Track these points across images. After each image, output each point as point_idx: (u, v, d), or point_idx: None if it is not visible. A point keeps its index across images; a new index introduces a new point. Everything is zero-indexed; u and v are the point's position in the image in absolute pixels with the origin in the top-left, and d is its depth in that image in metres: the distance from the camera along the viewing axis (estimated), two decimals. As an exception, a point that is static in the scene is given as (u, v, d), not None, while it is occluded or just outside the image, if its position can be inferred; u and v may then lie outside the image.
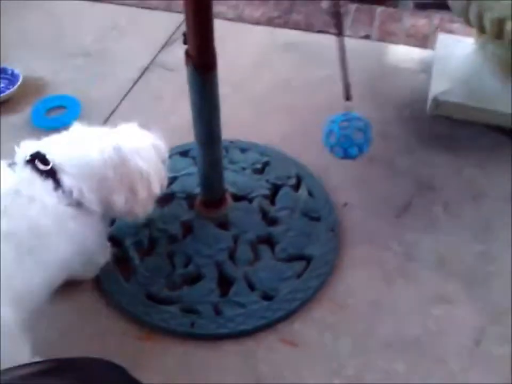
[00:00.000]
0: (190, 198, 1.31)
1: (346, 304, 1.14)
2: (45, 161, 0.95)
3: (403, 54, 1.82)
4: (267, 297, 1.14)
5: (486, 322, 1.10)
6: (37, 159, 0.95)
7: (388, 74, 1.73)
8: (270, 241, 1.24)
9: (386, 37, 1.88)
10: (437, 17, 1.97)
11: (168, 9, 2.01)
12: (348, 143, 1.10)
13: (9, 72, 1.69)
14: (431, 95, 1.57)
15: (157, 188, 1.08)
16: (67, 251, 0.95)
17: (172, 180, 1.36)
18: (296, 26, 1.95)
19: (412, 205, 1.33)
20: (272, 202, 1.32)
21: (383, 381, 1.03)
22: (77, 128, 1.08)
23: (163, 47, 1.82)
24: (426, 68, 1.72)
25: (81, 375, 0.65)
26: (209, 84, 1.05)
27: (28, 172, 0.93)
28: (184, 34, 1.00)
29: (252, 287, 1.15)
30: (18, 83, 1.64)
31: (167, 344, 1.08)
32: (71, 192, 0.95)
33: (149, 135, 1.12)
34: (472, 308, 1.13)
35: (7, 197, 0.89)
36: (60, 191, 0.94)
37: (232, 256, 1.20)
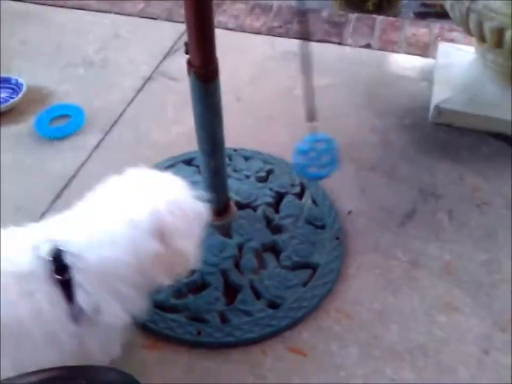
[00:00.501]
0: (194, 206, 1.31)
1: (353, 312, 1.14)
2: (63, 269, 0.81)
3: (404, 63, 1.83)
4: (273, 305, 1.14)
5: (493, 330, 1.10)
6: (56, 263, 0.81)
7: (388, 83, 1.74)
8: (274, 249, 1.24)
9: (387, 45, 1.90)
10: (437, 26, 1.98)
11: (170, 18, 2.03)
12: (318, 164, 1.10)
13: (13, 81, 1.69)
14: (432, 103, 1.58)
15: (194, 263, 0.93)
16: (54, 357, 0.82)
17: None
18: (296, 36, 1.96)
19: (415, 213, 1.34)
20: (276, 210, 1.32)
21: (390, 389, 1.03)
22: (102, 195, 0.90)
23: (165, 57, 1.83)
24: (427, 76, 1.74)
25: (89, 382, 0.64)
26: (212, 93, 1.06)
27: (41, 272, 0.81)
28: (186, 44, 1.01)
29: (257, 295, 1.15)
30: (22, 92, 1.65)
31: (173, 353, 1.08)
32: (81, 309, 0.82)
33: (189, 195, 0.93)
34: (478, 316, 1.13)
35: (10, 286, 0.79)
36: (67, 304, 0.82)
37: (237, 264, 1.20)
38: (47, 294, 0.80)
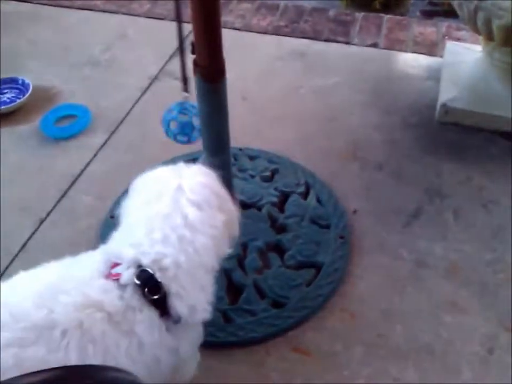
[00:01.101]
0: (199, 206, 1.31)
1: (357, 312, 1.13)
2: (156, 288, 0.76)
3: (411, 62, 1.82)
4: (277, 305, 1.13)
5: (498, 330, 1.09)
6: (147, 286, 0.75)
7: (395, 82, 1.73)
8: (279, 249, 1.24)
9: (394, 44, 1.89)
10: (444, 25, 1.97)
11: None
12: (189, 129, 1.15)
13: (20, 82, 1.71)
14: (440, 101, 1.57)
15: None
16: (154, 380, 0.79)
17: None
18: (303, 35, 1.96)
19: (421, 213, 1.33)
20: (281, 209, 1.32)
21: (394, 389, 1.02)
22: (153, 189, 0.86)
23: (171, 57, 1.83)
24: (433, 75, 1.73)
25: (95, 382, 0.65)
26: (218, 93, 1.06)
27: (136, 300, 0.75)
28: (192, 44, 1.01)
29: (261, 294, 1.15)
30: (29, 93, 1.66)
31: (177, 352, 1.08)
32: (179, 318, 0.78)
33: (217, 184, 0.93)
34: (483, 316, 1.12)
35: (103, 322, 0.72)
36: (164, 318, 0.77)
37: (241, 264, 1.20)
38: (145, 322, 0.75)
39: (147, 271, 0.76)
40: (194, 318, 0.81)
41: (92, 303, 0.72)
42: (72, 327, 0.70)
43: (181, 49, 1.10)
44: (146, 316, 0.75)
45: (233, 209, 0.91)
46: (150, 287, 0.75)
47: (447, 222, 1.30)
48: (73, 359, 0.69)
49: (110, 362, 0.70)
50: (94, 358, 0.69)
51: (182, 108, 1.16)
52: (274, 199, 1.33)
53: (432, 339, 1.09)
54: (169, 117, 1.17)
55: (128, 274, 0.76)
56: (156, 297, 0.75)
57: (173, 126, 1.17)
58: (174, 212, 0.81)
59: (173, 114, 1.16)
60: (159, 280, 0.76)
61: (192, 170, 0.91)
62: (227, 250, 0.90)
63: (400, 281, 1.19)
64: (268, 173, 1.40)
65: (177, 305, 0.77)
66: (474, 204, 1.34)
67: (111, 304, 0.73)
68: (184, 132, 1.16)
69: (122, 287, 0.75)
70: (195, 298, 0.80)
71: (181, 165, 0.93)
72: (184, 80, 1.13)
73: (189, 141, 1.18)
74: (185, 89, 1.15)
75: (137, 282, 0.75)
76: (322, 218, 1.29)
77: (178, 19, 1.06)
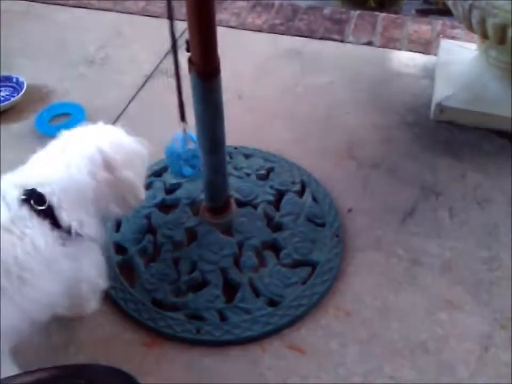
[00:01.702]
0: (194, 204, 1.31)
1: (353, 310, 1.14)
2: (40, 199, 0.91)
3: (405, 60, 1.82)
4: (273, 303, 1.13)
5: (493, 327, 1.10)
6: (32, 198, 0.90)
7: (390, 80, 1.74)
8: (274, 247, 1.24)
9: (389, 43, 1.89)
10: (439, 23, 1.98)
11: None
12: (195, 161, 1.16)
13: (14, 80, 1.70)
14: (434, 100, 1.57)
15: (143, 193, 1.09)
16: (55, 290, 0.91)
17: (177, 186, 1.37)
18: (298, 33, 1.96)
19: (416, 211, 1.33)
20: (277, 208, 1.32)
21: (390, 387, 1.02)
22: (58, 141, 1.04)
23: (166, 55, 1.82)
24: (429, 74, 1.73)
25: (88, 381, 0.65)
26: (213, 91, 1.06)
27: (24, 212, 0.89)
28: (187, 42, 1.00)
29: (257, 293, 1.15)
30: (23, 91, 1.65)
31: (173, 351, 1.08)
32: (69, 228, 0.92)
33: (130, 139, 1.10)
34: (478, 313, 1.12)
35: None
36: (56, 230, 0.91)
37: (237, 262, 1.20)
38: (36, 229, 0.88)
39: (32, 188, 0.91)
40: (84, 231, 0.95)
41: None
42: None
43: (177, 76, 1.06)
44: (36, 223, 0.88)
45: (130, 178, 1.03)
46: (35, 199, 0.90)
47: (443, 220, 1.31)
48: None
49: (11, 260, 0.84)
50: None
51: (186, 140, 1.15)
52: (270, 198, 1.33)
53: (428, 337, 1.09)
54: (174, 150, 1.15)
55: (16, 193, 0.90)
56: (42, 207, 0.89)
57: (180, 159, 1.16)
58: (70, 156, 0.99)
59: (178, 148, 1.15)
60: (43, 194, 0.91)
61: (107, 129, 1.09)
62: (113, 207, 1.04)
63: (396, 279, 1.19)
64: (263, 171, 1.40)
65: (63, 216, 0.91)
66: (470, 202, 1.35)
67: (2, 216, 0.87)
68: (190, 164, 1.16)
69: (10, 203, 0.89)
70: (79, 213, 0.94)
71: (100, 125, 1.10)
72: (181, 106, 1.10)
73: (193, 175, 1.17)
74: (183, 117, 1.12)
75: (23, 197, 0.89)
76: (318, 217, 1.30)
77: (171, 25, 1.02)
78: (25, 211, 0.88)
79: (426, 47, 1.86)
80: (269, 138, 1.53)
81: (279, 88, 1.71)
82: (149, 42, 1.90)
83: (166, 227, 1.26)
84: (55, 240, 0.90)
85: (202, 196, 1.29)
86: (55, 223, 0.91)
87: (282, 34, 1.96)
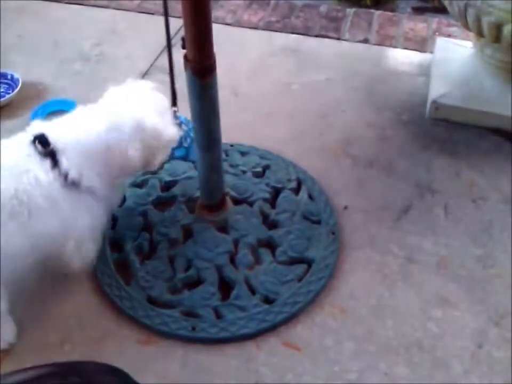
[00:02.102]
0: (190, 201, 1.31)
1: (348, 307, 1.14)
2: (45, 142, 1.01)
3: (401, 58, 1.83)
4: (268, 300, 1.14)
5: (487, 324, 1.10)
6: (38, 140, 1.01)
7: (386, 78, 1.74)
8: (270, 245, 1.24)
9: (385, 40, 1.89)
10: (435, 21, 1.98)
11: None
12: (187, 142, 1.21)
13: (9, 77, 1.69)
14: (430, 98, 1.58)
15: (169, 135, 1.13)
16: (53, 226, 0.99)
17: (173, 184, 1.37)
18: (294, 31, 1.96)
19: (411, 208, 1.34)
20: (273, 205, 1.32)
21: (385, 384, 1.03)
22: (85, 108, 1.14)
23: (162, 52, 1.82)
24: (424, 71, 1.73)
25: (83, 379, 0.64)
26: (208, 88, 1.06)
27: (29, 151, 1.00)
28: (183, 39, 1.00)
29: (252, 290, 1.15)
30: (18, 88, 1.65)
31: (168, 348, 1.08)
32: (67, 173, 1.00)
33: (148, 88, 1.17)
34: (473, 311, 1.13)
35: (4, 170, 0.96)
36: (56, 171, 1.00)
37: (232, 260, 1.20)
38: (38, 166, 0.99)
39: (42, 133, 1.02)
40: (82, 183, 1.02)
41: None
42: None
43: (170, 64, 1.11)
44: (38, 160, 0.99)
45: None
46: (40, 141, 1.00)
47: (437, 218, 1.31)
48: None
49: (21, 187, 0.96)
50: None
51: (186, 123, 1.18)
52: (266, 195, 1.33)
53: (422, 334, 1.09)
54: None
55: (28, 136, 1.02)
56: (43, 148, 1.00)
57: (186, 142, 1.21)
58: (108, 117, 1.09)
59: (186, 131, 1.19)
60: (49, 139, 1.01)
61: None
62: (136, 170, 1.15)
63: (391, 276, 1.19)
64: (259, 169, 1.40)
65: (63, 160, 1.00)
66: (464, 200, 1.35)
67: (11, 155, 1.00)
68: (181, 146, 1.19)
69: (22, 144, 1.01)
70: (82, 165, 1.02)
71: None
72: (173, 92, 1.15)
73: (192, 157, 1.20)
74: (174, 102, 1.17)
75: (31, 138, 1.01)
76: (314, 214, 1.30)
77: (167, 25, 1.07)
78: (31, 150, 1.00)
79: (422, 45, 1.86)
80: (265, 135, 1.53)
81: (275, 85, 1.71)
82: (144, 39, 1.89)
83: (162, 224, 1.26)
84: (55, 179, 0.99)
85: (198, 193, 1.29)
86: (55, 165, 1.00)
87: (278, 31, 1.96)
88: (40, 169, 0.98)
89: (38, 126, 1.05)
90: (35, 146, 1.00)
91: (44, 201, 0.97)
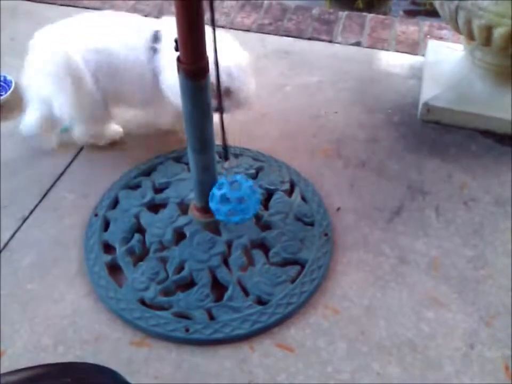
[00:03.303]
0: (183, 203, 1.31)
1: (341, 308, 1.15)
2: (156, 39, 1.31)
3: (393, 61, 1.84)
4: (262, 302, 1.14)
5: (479, 325, 1.11)
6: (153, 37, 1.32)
7: (378, 80, 1.75)
8: (263, 246, 1.24)
9: (377, 43, 1.91)
10: (426, 24, 2.00)
11: (160, 15, 2.02)
12: (239, 208, 1.07)
13: (2, 78, 1.68)
14: (421, 100, 1.59)
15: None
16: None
17: (166, 186, 1.37)
18: (287, 33, 1.97)
19: (403, 210, 1.35)
20: (266, 207, 1.32)
21: (377, 384, 1.03)
22: None
23: (155, 54, 1.82)
24: (416, 74, 1.75)
25: (75, 380, 0.65)
26: (202, 91, 1.06)
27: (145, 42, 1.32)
28: (176, 41, 1.00)
29: (246, 292, 1.15)
30: (11, 90, 1.64)
31: (162, 350, 1.08)
32: (158, 67, 1.30)
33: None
34: (464, 311, 1.14)
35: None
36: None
37: (226, 261, 1.20)
38: (145, 52, 1.32)
39: (157, 32, 1.33)
40: (164, 76, 1.29)
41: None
42: None
43: (222, 122, 1.04)
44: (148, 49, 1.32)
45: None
46: (153, 37, 1.32)
47: (429, 219, 1.32)
48: None
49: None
50: None
51: (233, 181, 1.08)
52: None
53: (414, 334, 1.10)
54: (219, 195, 1.07)
55: (149, 33, 1.33)
56: (153, 45, 1.32)
57: (227, 203, 1.07)
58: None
59: (222, 192, 1.07)
60: (160, 39, 1.31)
61: None
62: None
63: (383, 277, 1.20)
64: (252, 171, 1.41)
65: (158, 58, 1.31)
66: (456, 201, 1.36)
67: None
68: (234, 210, 1.06)
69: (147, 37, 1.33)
70: (167, 67, 1.28)
71: None
72: (225, 146, 1.06)
73: (242, 219, 1.08)
74: (226, 156, 1.07)
75: (152, 33, 1.32)
76: (307, 216, 1.30)
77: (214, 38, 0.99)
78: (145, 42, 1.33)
79: (414, 47, 1.88)
80: (258, 137, 1.54)
81: (268, 87, 1.72)
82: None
83: (155, 226, 1.27)
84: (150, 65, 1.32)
85: (191, 195, 1.29)
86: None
87: (271, 34, 1.97)
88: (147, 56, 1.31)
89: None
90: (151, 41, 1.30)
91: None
